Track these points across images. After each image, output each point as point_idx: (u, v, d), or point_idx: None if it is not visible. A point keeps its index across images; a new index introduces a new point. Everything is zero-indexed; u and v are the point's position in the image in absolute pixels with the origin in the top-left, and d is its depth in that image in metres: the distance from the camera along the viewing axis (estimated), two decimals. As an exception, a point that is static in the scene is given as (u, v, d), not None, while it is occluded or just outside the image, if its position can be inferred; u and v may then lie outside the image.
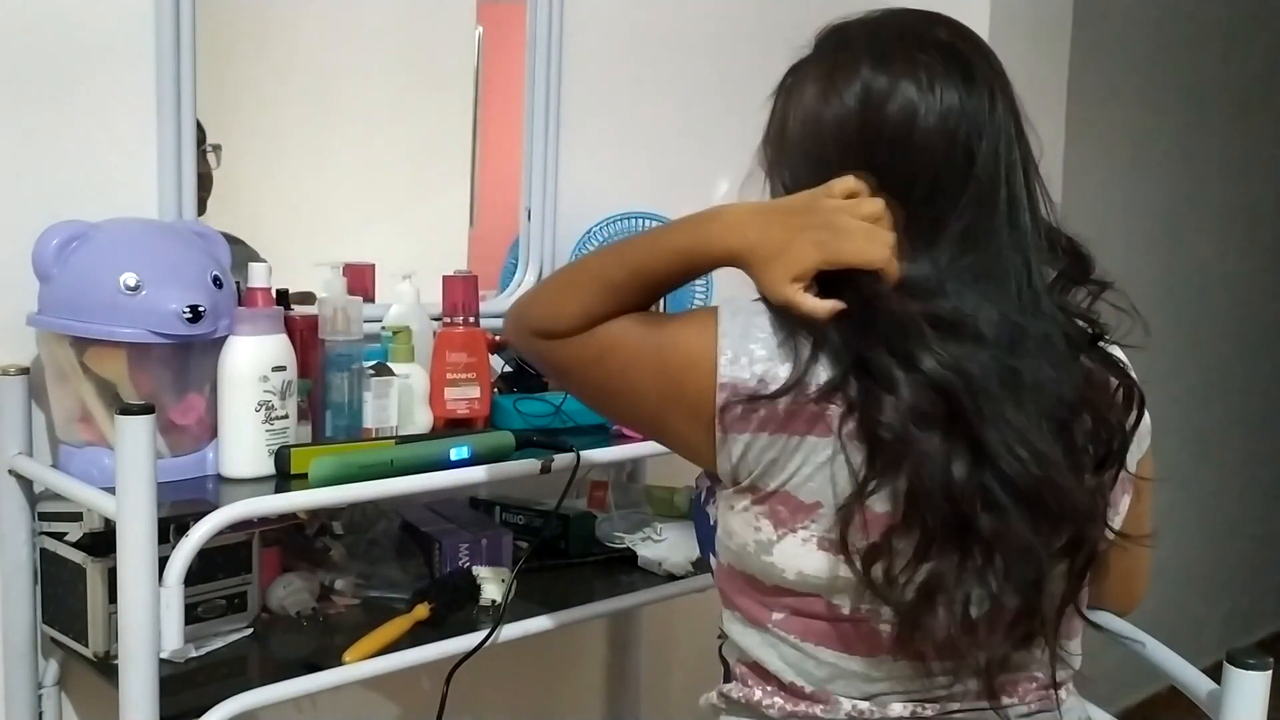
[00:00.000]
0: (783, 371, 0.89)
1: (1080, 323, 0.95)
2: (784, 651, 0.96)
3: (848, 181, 0.91)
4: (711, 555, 1.03)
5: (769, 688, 0.98)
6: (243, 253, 1.46)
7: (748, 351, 0.91)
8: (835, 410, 0.88)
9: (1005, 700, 0.96)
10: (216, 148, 1.45)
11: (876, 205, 0.90)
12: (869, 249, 0.88)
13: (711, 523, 1.00)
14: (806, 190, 0.92)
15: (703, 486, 1.04)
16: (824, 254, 0.88)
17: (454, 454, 1.31)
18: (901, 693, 0.94)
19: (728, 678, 1.04)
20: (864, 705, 0.94)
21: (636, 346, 0.96)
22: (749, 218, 0.93)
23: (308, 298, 1.41)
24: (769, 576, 0.94)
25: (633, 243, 1.02)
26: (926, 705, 0.95)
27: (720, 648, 1.05)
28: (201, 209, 1.43)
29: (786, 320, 0.91)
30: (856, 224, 0.89)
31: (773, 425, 0.89)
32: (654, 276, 0.97)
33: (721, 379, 0.90)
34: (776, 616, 0.95)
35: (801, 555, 0.91)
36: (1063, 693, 1.00)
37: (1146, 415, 0.98)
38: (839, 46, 0.99)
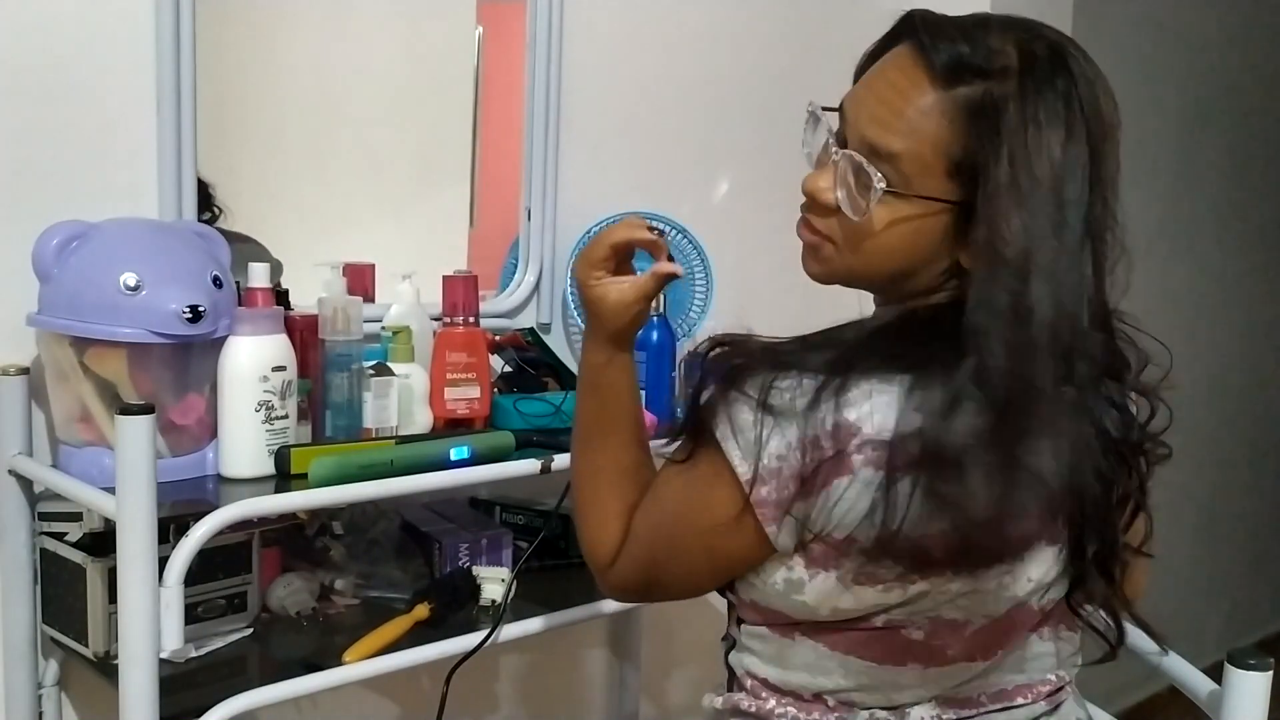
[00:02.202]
0: (790, 433, 0.86)
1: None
2: (807, 660, 0.94)
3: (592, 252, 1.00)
4: (730, 594, 1.00)
5: (784, 699, 0.97)
6: (251, 250, 1.46)
7: (745, 439, 0.87)
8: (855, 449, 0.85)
9: (1019, 701, 0.97)
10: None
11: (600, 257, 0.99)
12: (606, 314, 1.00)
13: None
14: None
15: None
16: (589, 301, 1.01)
17: (454, 454, 1.31)
18: (926, 699, 0.94)
19: (731, 685, 1.02)
20: (883, 714, 0.94)
21: (671, 503, 0.96)
22: (589, 336, 1.04)
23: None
24: (797, 613, 0.92)
25: (575, 426, 1.06)
26: (949, 709, 0.95)
27: (726, 654, 1.03)
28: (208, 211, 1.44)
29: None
30: (595, 297, 0.99)
31: (806, 488, 0.86)
32: (616, 416, 1.03)
33: (742, 480, 0.87)
34: (805, 628, 0.94)
35: (836, 592, 0.89)
36: (1064, 693, 1.00)
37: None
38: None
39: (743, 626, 0.99)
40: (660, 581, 0.99)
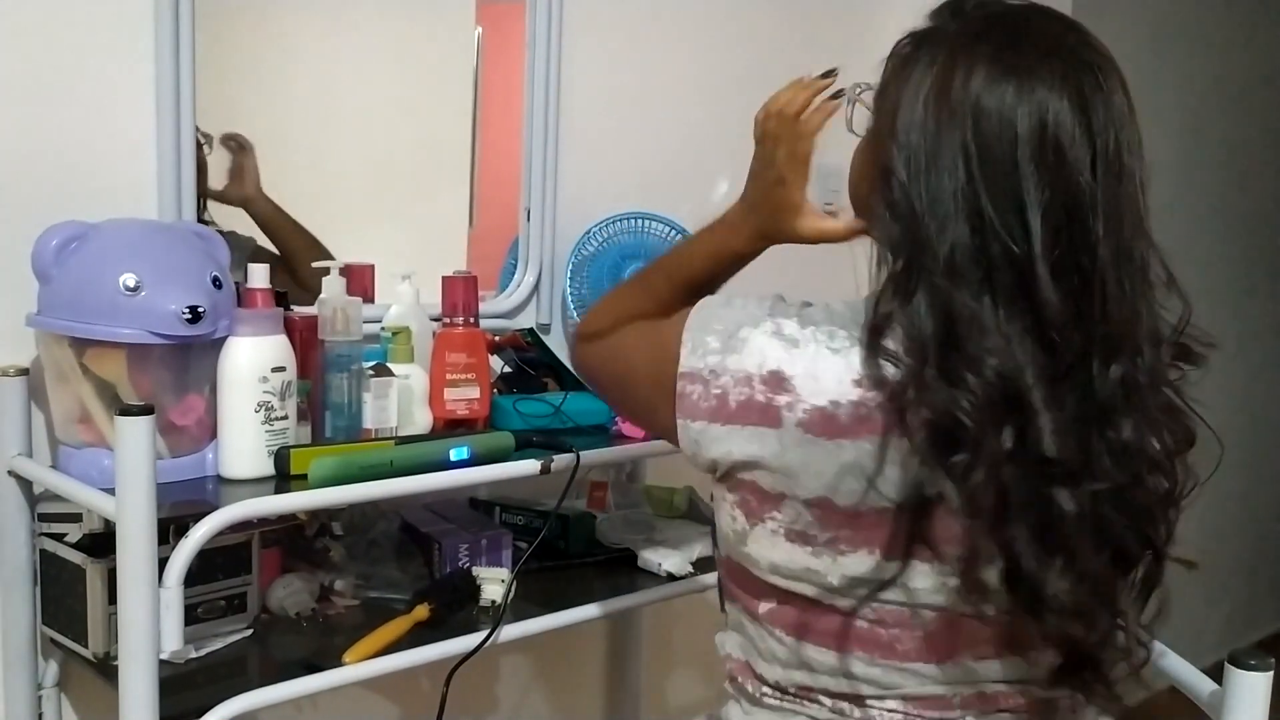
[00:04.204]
0: (729, 361, 0.91)
1: None
2: (772, 646, 0.96)
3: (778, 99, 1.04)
4: (715, 549, 1.04)
5: (760, 682, 0.99)
6: (242, 243, 1.47)
7: (703, 343, 0.93)
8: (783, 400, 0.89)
9: (1003, 704, 0.95)
10: (208, 137, 1.45)
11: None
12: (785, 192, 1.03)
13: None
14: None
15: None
16: (784, 191, 1.03)
17: (454, 454, 1.30)
18: (890, 695, 0.93)
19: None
20: (844, 705, 0.94)
21: (637, 336, 1.05)
22: (739, 206, 1.08)
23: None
24: (750, 566, 0.95)
25: (671, 253, 1.16)
26: (916, 707, 0.93)
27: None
28: (201, 206, 1.43)
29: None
30: (783, 156, 1.02)
31: (723, 416, 0.91)
32: (694, 282, 1.07)
33: (681, 370, 0.94)
34: (764, 609, 0.96)
35: (770, 545, 0.92)
36: (1058, 706, 0.98)
37: None
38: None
39: (725, 606, 1.03)
40: (606, 387, 1.14)
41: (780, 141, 1.03)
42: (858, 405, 0.86)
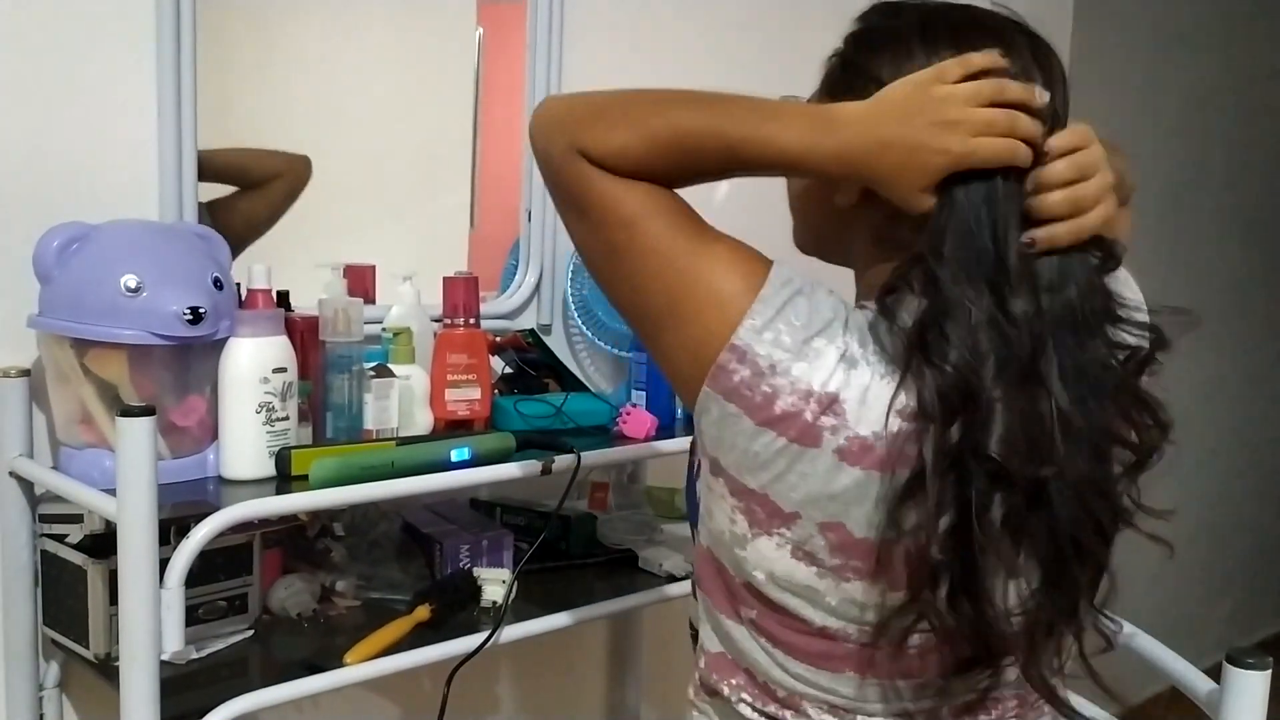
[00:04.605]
0: (796, 369, 0.82)
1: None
2: (756, 649, 0.92)
3: (971, 60, 0.81)
4: (694, 536, 0.99)
5: (735, 681, 0.95)
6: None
7: (775, 329, 0.82)
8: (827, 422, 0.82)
9: (991, 710, 0.93)
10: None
11: (998, 88, 0.81)
12: (1002, 145, 0.80)
13: (699, 499, 0.97)
14: (909, 78, 0.83)
15: (696, 461, 0.97)
16: (953, 156, 0.80)
17: (455, 455, 1.31)
18: (876, 710, 0.91)
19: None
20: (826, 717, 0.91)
21: (668, 244, 0.85)
22: (862, 119, 0.83)
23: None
24: (740, 572, 0.90)
25: (732, 113, 0.87)
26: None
27: (696, 640, 1.02)
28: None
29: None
30: (982, 114, 0.80)
31: (760, 416, 0.82)
32: (743, 164, 0.86)
33: (735, 341, 0.82)
34: (749, 613, 0.92)
35: (774, 559, 0.87)
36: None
37: None
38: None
39: (698, 602, 0.98)
40: (600, 248, 0.89)
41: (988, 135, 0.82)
42: (896, 436, 0.81)
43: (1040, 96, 0.83)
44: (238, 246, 1.40)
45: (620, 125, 0.86)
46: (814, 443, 0.82)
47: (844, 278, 0.95)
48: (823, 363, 0.82)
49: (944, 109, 0.81)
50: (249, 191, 1.53)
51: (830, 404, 0.82)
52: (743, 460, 0.85)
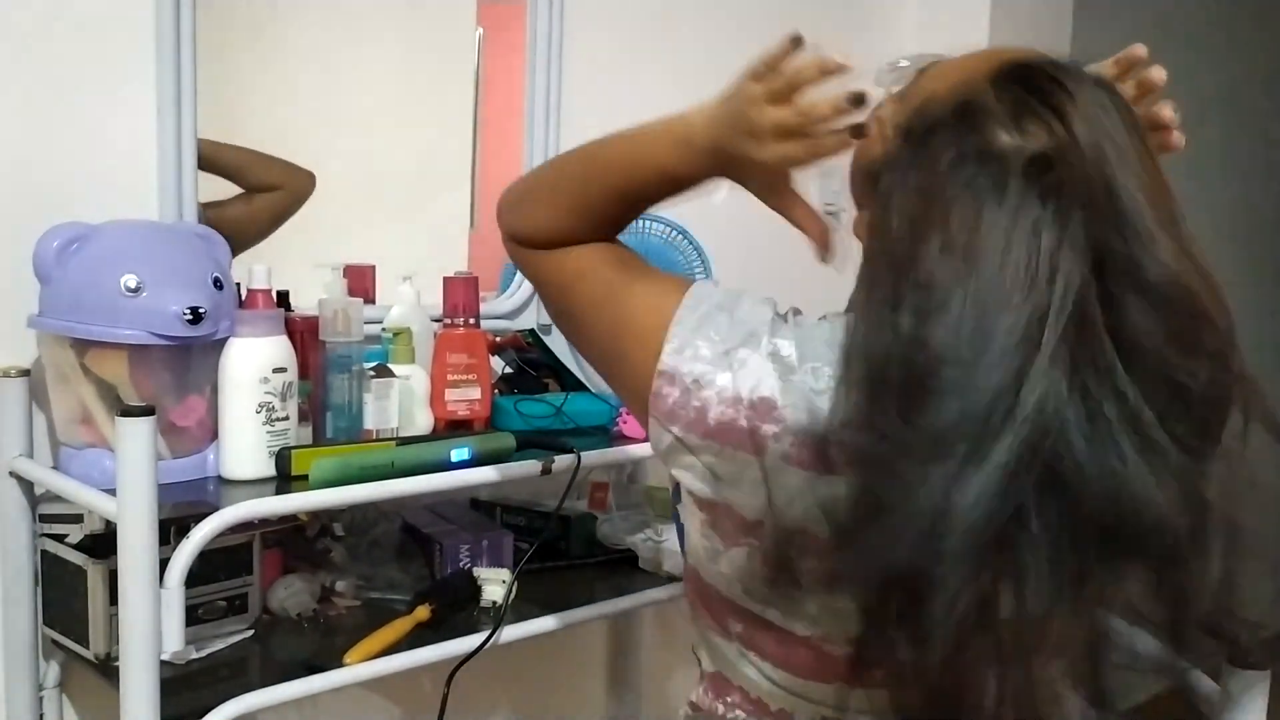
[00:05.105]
0: (720, 379, 0.83)
1: None
2: (746, 664, 0.92)
3: (770, 53, 0.85)
4: (684, 558, 0.99)
5: (730, 699, 0.95)
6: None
7: (694, 346, 0.85)
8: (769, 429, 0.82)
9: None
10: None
11: (792, 79, 0.83)
12: (802, 149, 0.82)
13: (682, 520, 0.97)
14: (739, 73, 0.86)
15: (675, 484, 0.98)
16: (770, 167, 0.84)
17: (455, 455, 1.31)
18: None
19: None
20: None
21: (602, 297, 0.92)
22: (705, 126, 0.87)
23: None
24: (719, 586, 0.91)
25: (611, 157, 0.94)
26: None
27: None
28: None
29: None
30: (774, 116, 0.82)
31: (700, 430, 0.84)
32: (643, 193, 0.93)
33: (661, 366, 0.86)
34: (736, 628, 0.92)
35: (747, 569, 0.86)
36: None
37: None
38: None
39: (693, 620, 0.98)
40: (554, 301, 0.97)
41: (788, 138, 0.84)
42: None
43: (842, 62, 0.84)
44: (232, 250, 1.39)
45: (531, 204, 0.96)
46: (758, 449, 0.83)
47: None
48: (748, 371, 0.83)
49: (748, 114, 0.83)
50: (244, 198, 1.52)
51: (769, 410, 0.82)
52: (700, 475, 0.87)
